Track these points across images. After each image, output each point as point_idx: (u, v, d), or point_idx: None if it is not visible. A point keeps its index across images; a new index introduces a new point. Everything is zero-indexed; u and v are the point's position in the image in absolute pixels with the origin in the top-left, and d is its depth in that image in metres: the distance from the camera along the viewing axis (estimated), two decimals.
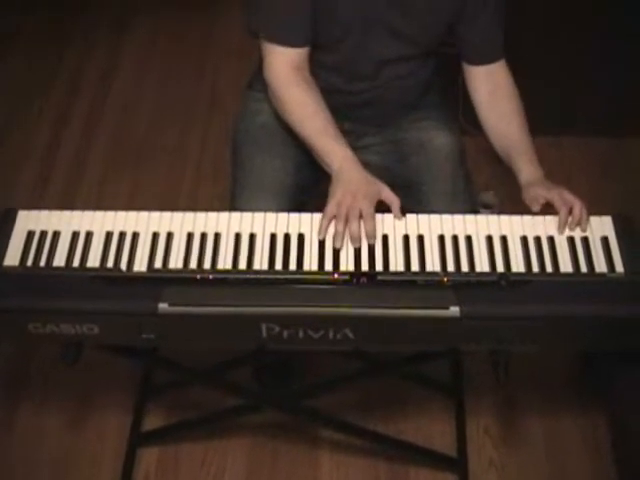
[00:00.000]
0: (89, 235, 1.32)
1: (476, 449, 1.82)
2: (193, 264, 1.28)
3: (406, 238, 1.32)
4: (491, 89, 1.55)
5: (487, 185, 2.21)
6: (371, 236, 1.30)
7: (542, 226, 1.35)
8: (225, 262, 1.28)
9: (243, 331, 1.23)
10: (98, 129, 2.58)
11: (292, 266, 1.28)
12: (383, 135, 1.68)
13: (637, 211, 1.46)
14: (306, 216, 1.35)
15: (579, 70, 2.31)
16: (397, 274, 1.27)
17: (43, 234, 1.32)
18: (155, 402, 1.88)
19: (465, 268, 1.28)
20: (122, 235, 1.32)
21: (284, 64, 1.47)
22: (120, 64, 2.82)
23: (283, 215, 1.35)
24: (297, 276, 1.25)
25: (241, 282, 1.24)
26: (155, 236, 1.32)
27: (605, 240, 1.33)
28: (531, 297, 1.21)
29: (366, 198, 1.33)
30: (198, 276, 1.25)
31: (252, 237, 1.31)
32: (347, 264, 1.28)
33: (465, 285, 1.23)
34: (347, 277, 1.24)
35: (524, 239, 1.32)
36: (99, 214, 1.35)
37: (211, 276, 1.25)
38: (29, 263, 1.28)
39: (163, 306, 1.18)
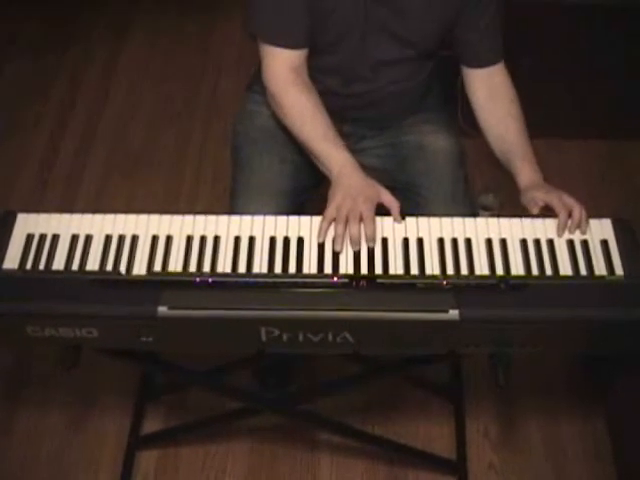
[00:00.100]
0: (88, 238, 1.31)
1: (476, 452, 1.82)
2: (192, 267, 1.28)
3: (405, 241, 1.31)
4: (490, 92, 1.55)
5: (487, 188, 2.21)
6: (371, 239, 1.30)
7: (542, 229, 1.34)
8: (224, 265, 1.28)
9: (242, 335, 1.23)
10: (98, 131, 2.58)
11: (291, 269, 1.28)
12: (382, 138, 1.68)
13: (637, 214, 1.46)
14: (305, 219, 1.34)
15: (578, 73, 2.31)
16: (396, 277, 1.26)
17: (42, 237, 1.31)
18: (154, 405, 1.88)
19: (465, 271, 1.28)
20: (121, 238, 1.31)
21: (282, 66, 1.47)
22: (120, 65, 2.82)
23: (282, 218, 1.35)
24: (296, 279, 1.25)
25: (240, 285, 1.24)
26: (154, 239, 1.31)
27: (605, 243, 1.32)
28: (531, 300, 1.21)
29: (366, 201, 1.33)
30: (197, 279, 1.24)
31: (251, 240, 1.31)
32: (346, 267, 1.28)
33: (465, 288, 1.23)
34: (346, 280, 1.24)
35: (524, 242, 1.32)
36: (98, 217, 1.34)
37: (210, 279, 1.24)
38: (28, 266, 1.28)
39: (162, 309, 1.17)
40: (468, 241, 1.32)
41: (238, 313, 1.19)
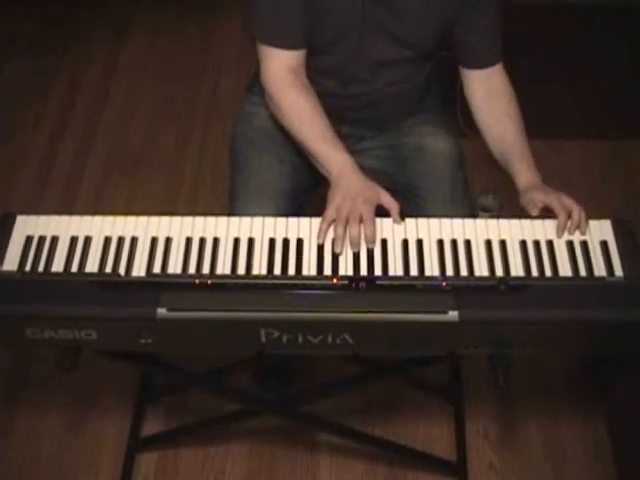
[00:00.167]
0: (87, 240, 1.31)
1: (475, 453, 1.82)
2: (192, 269, 1.28)
3: (405, 242, 1.31)
4: (488, 93, 1.55)
5: (486, 189, 2.21)
6: (371, 240, 1.30)
7: (541, 230, 1.34)
8: (224, 267, 1.28)
9: (242, 336, 1.23)
10: (97, 131, 2.58)
11: (291, 271, 1.27)
12: (381, 139, 1.68)
13: (637, 215, 1.46)
14: (305, 221, 1.34)
15: (578, 73, 2.31)
16: (396, 278, 1.26)
17: (41, 239, 1.31)
18: (154, 406, 1.88)
19: (464, 272, 1.28)
20: (121, 240, 1.31)
21: (280, 67, 1.47)
22: (120, 65, 2.82)
23: (282, 220, 1.34)
24: (296, 281, 1.25)
25: (240, 287, 1.24)
26: (154, 241, 1.31)
27: (604, 244, 1.32)
28: (530, 301, 1.21)
29: (366, 203, 1.33)
30: (197, 281, 1.24)
31: (251, 242, 1.31)
32: (346, 269, 1.28)
33: (464, 289, 1.23)
34: (346, 282, 1.24)
35: (523, 243, 1.32)
36: (98, 219, 1.34)
37: (210, 281, 1.24)
38: (27, 268, 1.28)
39: (161, 311, 1.17)
40: (467, 242, 1.32)
41: (237, 315, 1.18)
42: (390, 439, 1.79)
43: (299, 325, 1.19)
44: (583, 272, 1.29)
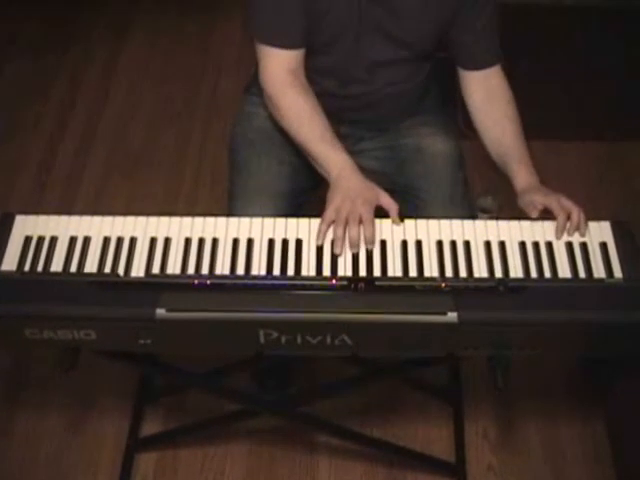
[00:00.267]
0: (87, 240, 1.31)
1: (474, 454, 1.82)
2: (191, 269, 1.28)
3: (404, 243, 1.31)
4: (486, 94, 1.55)
5: (485, 190, 2.21)
6: (370, 241, 1.30)
7: (540, 231, 1.34)
8: (223, 267, 1.28)
9: (241, 337, 1.23)
10: (97, 131, 2.58)
11: (290, 272, 1.27)
12: (380, 140, 1.68)
13: (635, 216, 1.46)
14: (304, 221, 1.34)
15: (575, 74, 2.32)
16: (395, 279, 1.26)
17: (41, 239, 1.31)
18: (153, 407, 1.88)
19: (463, 273, 1.28)
20: (120, 240, 1.31)
21: (279, 67, 1.46)
22: (120, 65, 2.82)
23: (281, 220, 1.35)
24: (295, 282, 1.25)
25: (239, 288, 1.24)
26: (153, 241, 1.31)
27: (604, 246, 1.32)
28: (529, 303, 1.21)
29: (365, 204, 1.33)
30: (196, 281, 1.24)
31: (250, 242, 1.31)
32: (345, 269, 1.28)
33: (463, 290, 1.23)
34: (345, 283, 1.24)
35: (522, 244, 1.32)
36: (97, 219, 1.34)
37: (209, 282, 1.24)
38: (26, 268, 1.28)
39: (160, 312, 1.17)
40: (467, 243, 1.32)
41: (236, 315, 1.18)
42: (389, 440, 1.79)
43: (298, 326, 1.19)
44: (582, 274, 1.29)
